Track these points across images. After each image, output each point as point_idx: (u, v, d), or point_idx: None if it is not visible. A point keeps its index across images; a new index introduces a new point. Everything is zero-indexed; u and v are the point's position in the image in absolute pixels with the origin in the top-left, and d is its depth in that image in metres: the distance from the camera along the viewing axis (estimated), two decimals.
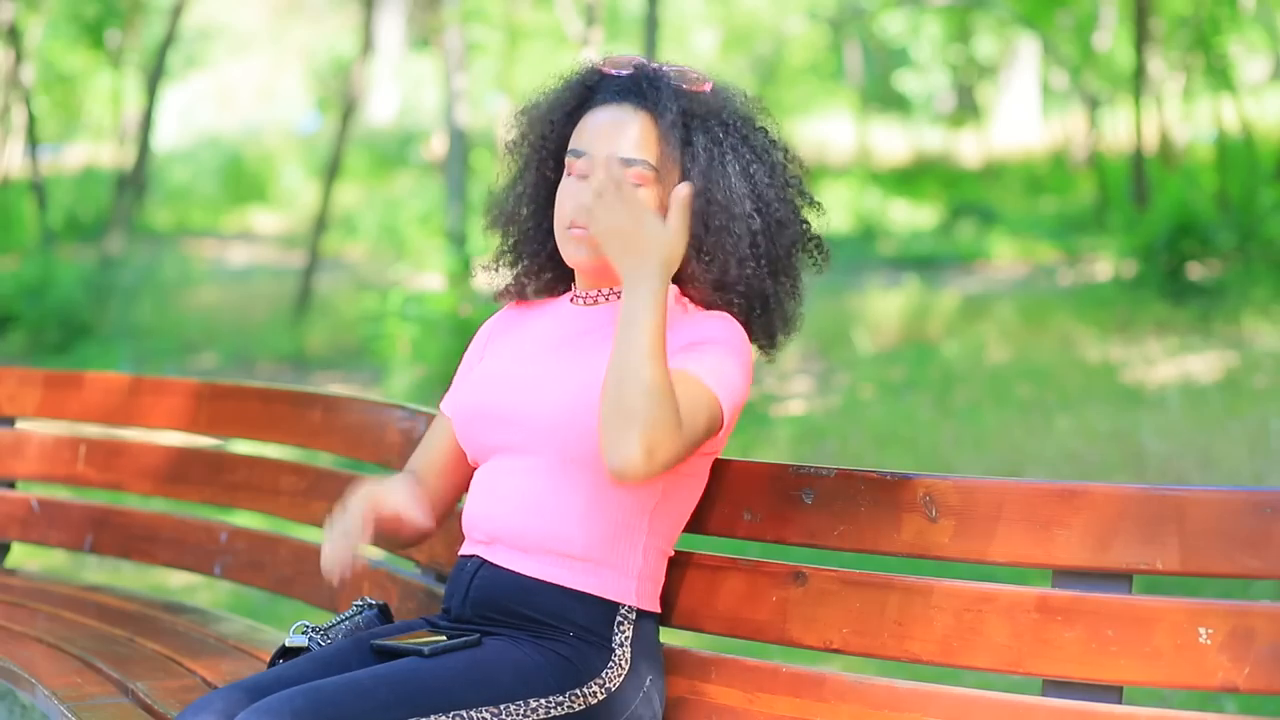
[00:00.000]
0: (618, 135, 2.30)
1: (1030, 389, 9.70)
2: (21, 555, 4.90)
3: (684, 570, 2.39)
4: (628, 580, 2.29)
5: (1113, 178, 17.69)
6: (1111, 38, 19.00)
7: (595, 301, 2.39)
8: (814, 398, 10.29)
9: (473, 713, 2.16)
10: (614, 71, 2.36)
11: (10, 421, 3.80)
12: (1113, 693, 2.03)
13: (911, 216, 19.43)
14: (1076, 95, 20.04)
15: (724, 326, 2.30)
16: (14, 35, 15.04)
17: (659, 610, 2.34)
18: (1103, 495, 2.06)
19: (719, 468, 2.37)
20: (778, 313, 2.37)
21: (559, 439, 2.27)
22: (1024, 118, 24.39)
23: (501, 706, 2.18)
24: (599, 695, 2.24)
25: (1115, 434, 7.94)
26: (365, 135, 24.18)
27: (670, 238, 2.19)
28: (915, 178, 21.78)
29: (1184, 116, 17.83)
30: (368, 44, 15.61)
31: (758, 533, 2.33)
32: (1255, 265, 12.93)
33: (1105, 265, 15.03)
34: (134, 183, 17.24)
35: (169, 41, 16.83)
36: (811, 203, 2.40)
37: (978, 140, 23.25)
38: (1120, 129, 18.72)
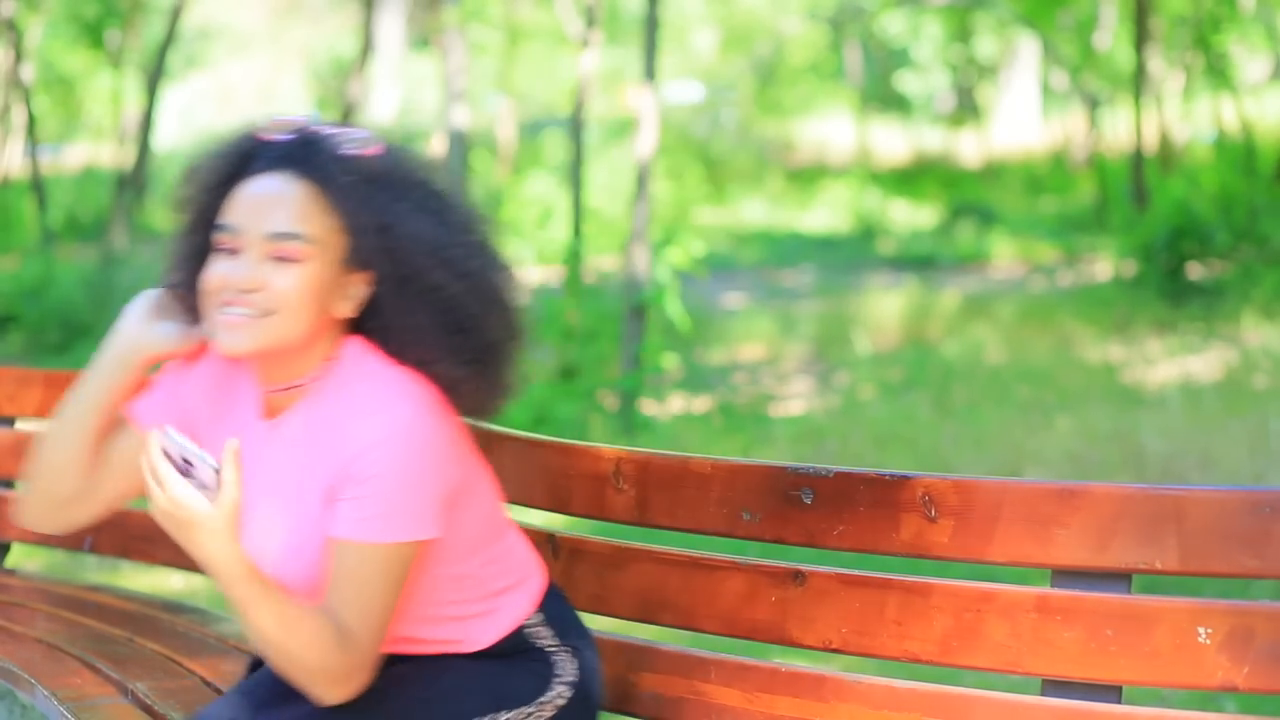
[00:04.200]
0: (271, 207, 2.10)
1: (1030, 389, 9.69)
2: (21, 555, 4.90)
3: (683, 570, 2.39)
4: (509, 599, 2.25)
5: (1112, 178, 17.70)
6: (1111, 38, 19.02)
7: (278, 412, 2.19)
8: (814, 398, 10.29)
9: None
10: (273, 138, 2.16)
11: (10, 421, 3.79)
12: (1112, 692, 2.03)
13: (911, 216, 19.44)
14: (1076, 95, 20.05)
15: (380, 454, 2.07)
16: (14, 35, 15.03)
17: (549, 581, 2.32)
18: (1102, 495, 2.06)
19: (719, 467, 2.36)
20: (483, 379, 2.18)
21: (309, 595, 2.14)
22: (1024, 118, 24.42)
23: None
24: (565, 695, 2.24)
25: (1115, 434, 7.93)
26: None
27: (215, 513, 2.02)
28: (915, 178, 21.80)
29: (1184, 116, 17.84)
30: (368, 44, 15.61)
31: (757, 533, 2.32)
32: (1255, 265, 12.93)
33: (1105, 265, 15.04)
34: (134, 182, 17.25)
35: (169, 41, 16.84)
36: (495, 256, 2.21)
37: (978, 140, 23.26)
38: (1120, 129, 18.73)
